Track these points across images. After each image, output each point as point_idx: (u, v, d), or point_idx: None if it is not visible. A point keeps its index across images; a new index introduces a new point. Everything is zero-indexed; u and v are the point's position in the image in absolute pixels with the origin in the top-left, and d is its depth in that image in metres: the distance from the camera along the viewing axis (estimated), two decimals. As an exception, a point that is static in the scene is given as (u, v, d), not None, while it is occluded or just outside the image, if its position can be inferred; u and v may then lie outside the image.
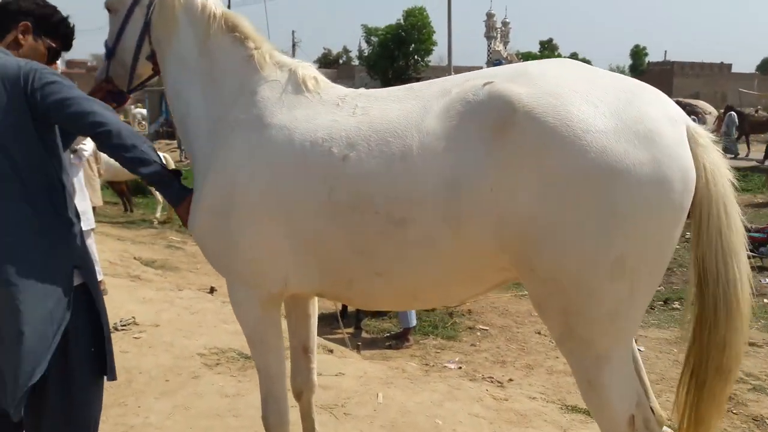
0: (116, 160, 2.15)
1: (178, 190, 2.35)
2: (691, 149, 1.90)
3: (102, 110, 2.09)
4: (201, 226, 2.38)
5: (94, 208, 11.90)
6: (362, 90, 2.37)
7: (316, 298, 2.79)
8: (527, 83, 1.90)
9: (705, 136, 1.97)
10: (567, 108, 1.82)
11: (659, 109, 1.88)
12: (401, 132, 2.03)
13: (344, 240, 2.11)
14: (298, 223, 2.17)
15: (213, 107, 2.42)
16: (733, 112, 22.53)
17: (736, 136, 21.96)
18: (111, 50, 2.56)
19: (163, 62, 2.53)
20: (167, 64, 2.51)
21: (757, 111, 27.42)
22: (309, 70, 2.40)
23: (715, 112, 32.76)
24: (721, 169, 1.96)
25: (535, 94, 1.86)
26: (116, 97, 2.61)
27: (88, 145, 9.84)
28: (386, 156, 2.02)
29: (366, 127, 2.10)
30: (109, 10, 2.59)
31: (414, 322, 6.99)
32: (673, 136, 1.84)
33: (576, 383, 2.07)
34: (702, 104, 32.85)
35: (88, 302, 2.23)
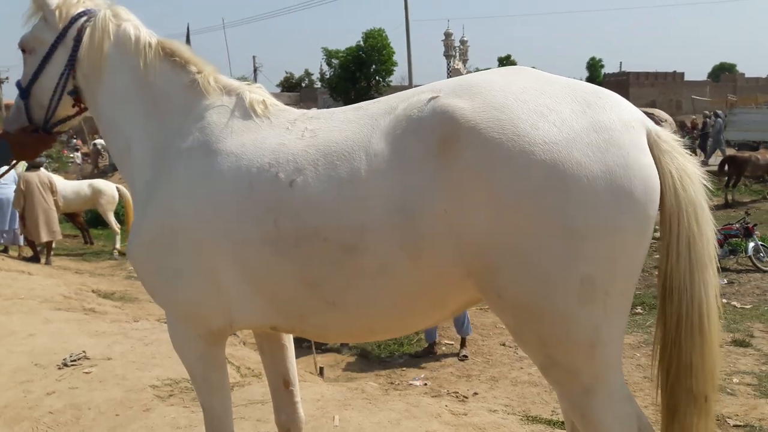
0: None
1: (5, 154, 2.41)
2: (653, 156, 1.77)
3: None
4: (140, 260, 2.28)
5: (51, 242, 11.68)
6: (313, 111, 2.26)
7: None
8: (471, 96, 1.80)
9: (669, 140, 1.83)
10: (513, 121, 1.71)
11: (615, 115, 1.75)
12: (348, 154, 1.91)
13: (293, 271, 1.99)
14: (245, 256, 2.04)
15: (157, 137, 2.33)
16: None
17: None
18: (26, 91, 2.45)
19: (94, 98, 2.45)
20: (99, 99, 2.43)
21: (710, 116, 28.13)
22: (257, 94, 2.29)
23: (671, 120, 33.62)
24: (691, 173, 1.82)
25: (479, 108, 1.76)
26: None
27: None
28: (334, 180, 1.90)
29: (314, 150, 1.98)
30: (23, 51, 2.48)
31: (435, 336, 7.29)
32: (630, 144, 1.72)
33: (563, 409, 1.95)
34: (658, 112, 33.73)
35: None
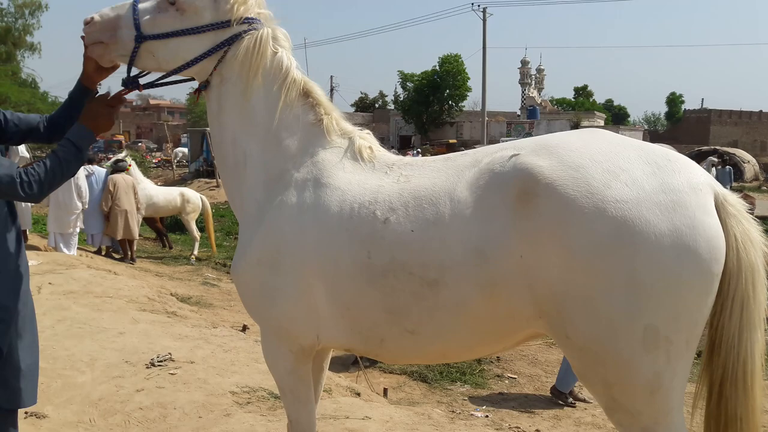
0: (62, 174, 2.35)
1: (84, 134, 2.42)
2: (720, 218, 1.92)
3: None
4: (245, 276, 2.48)
5: (131, 242, 12.34)
6: (408, 158, 2.51)
7: (330, 352, 2.85)
8: (549, 155, 2.01)
9: (735, 204, 1.98)
10: (587, 179, 1.90)
11: (683, 178, 1.91)
12: (435, 199, 2.16)
13: (379, 300, 2.21)
14: (338, 282, 2.27)
15: (273, 162, 2.49)
16: (729, 167, 22.22)
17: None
18: (145, 36, 2.43)
19: (222, 105, 2.54)
20: (230, 110, 2.52)
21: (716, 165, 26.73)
22: (366, 140, 2.52)
23: (754, 161, 32.30)
24: (753, 238, 1.97)
25: (556, 167, 1.96)
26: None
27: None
28: (421, 221, 2.15)
29: (407, 193, 2.23)
30: (171, 2, 2.43)
31: (571, 386, 6.51)
32: (696, 206, 1.87)
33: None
34: (740, 152, 32.43)
35: None
